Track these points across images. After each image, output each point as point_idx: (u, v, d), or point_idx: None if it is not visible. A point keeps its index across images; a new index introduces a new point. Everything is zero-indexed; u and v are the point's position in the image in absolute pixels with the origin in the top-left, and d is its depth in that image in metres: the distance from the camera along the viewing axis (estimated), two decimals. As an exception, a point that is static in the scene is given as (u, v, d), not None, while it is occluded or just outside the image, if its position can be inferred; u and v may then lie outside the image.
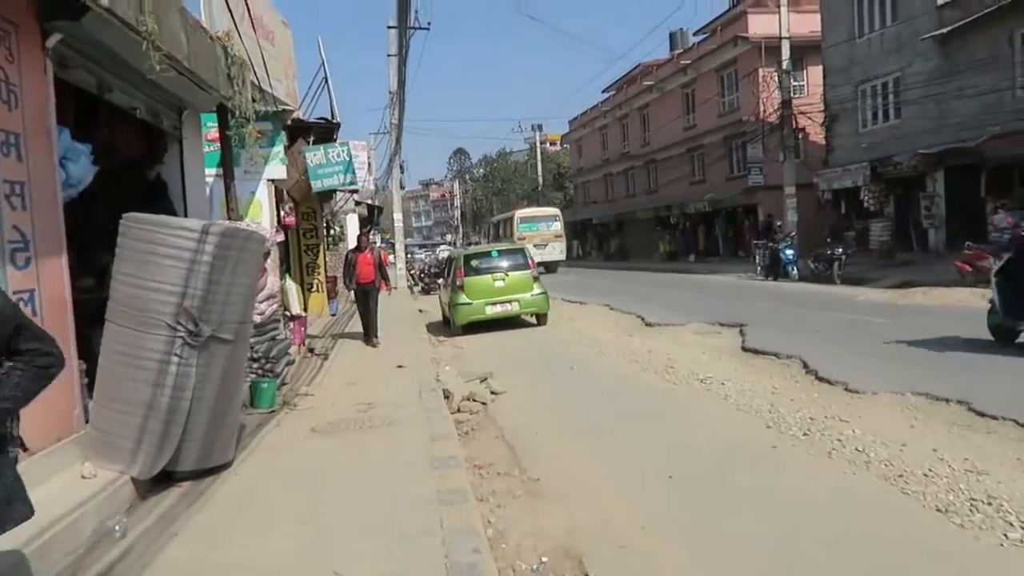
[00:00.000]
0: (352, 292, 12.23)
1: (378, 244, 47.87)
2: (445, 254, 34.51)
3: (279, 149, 11.12)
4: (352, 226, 24.37)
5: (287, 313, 11.80)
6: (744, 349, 9.93)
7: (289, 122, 11.38)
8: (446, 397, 8.20)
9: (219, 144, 10.27)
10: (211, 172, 10.98)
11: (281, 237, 11.39)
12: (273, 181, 11.41)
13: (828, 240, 23.51)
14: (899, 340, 9.36)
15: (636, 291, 21.31)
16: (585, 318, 15.68)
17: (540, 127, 68.37)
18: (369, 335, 12.11)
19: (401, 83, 24.37)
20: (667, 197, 37.63)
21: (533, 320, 15.06)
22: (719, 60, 32.09)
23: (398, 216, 29.58)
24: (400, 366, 10.48)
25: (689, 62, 34.21)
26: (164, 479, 4.97)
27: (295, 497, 4.67)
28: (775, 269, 21.71)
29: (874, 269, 21.27)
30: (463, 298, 14.28)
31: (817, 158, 27.25)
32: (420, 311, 20.15)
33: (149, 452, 4.73)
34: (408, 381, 9.01)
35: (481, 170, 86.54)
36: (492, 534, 4.24)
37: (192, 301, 4.80)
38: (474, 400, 8.11)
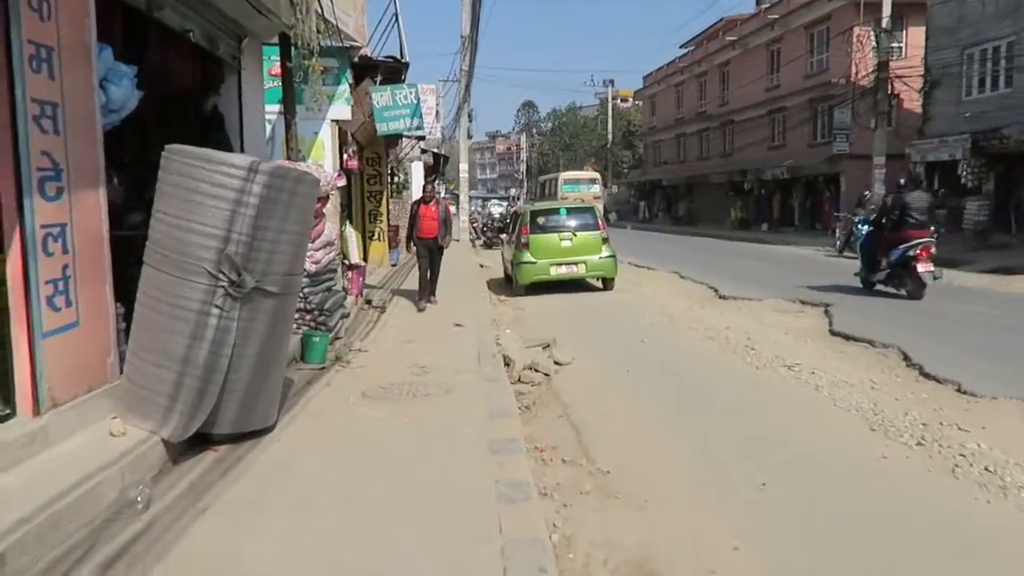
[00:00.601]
0: (414, 247, 11.32)
1: (442, 194, 47.61)
2: (499, 210, 33.78)
3: (344, 88, 10.56)
4: (417, 174, 23.86)
5: (345, 261, 11.38)
6: (832, 333, 9.07)
7: (356, 59, 10.78)
8: (506, 364, 7.64)
9: (280, 79, 9.80)
10: (273, 109, 10.52)
11: (343, 181, 10.90)
12: (337, 122, 10.89)
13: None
14: (1016, 335, 8.41)
15: (706, 259, 20.37)
16: (653, 285, 14.89)
17: (612, 82, 66.42)
18: (424, 294, 11.13)
19: (475, 24, 23.48)
20: (743, 161, 36.02)
21: (599, 284, 14.37)
22: (810, 16, 30.16)
23: (464, 166, 28.94)
24: (458, 325, 9.98)
25: (777, 17, 32.30)
26: (201, 441, 4.54)
27: (337, 475, 4.16)
28: (852, 246, 20.38)
29: (966, 251, 19.81)
30: (527, 256, 13.64)
31: (910, 127, 25.46)
32: (481, 266, 19.64)
33: (184, 412, 4.28)
34: (467, 343, 8.48)
35: (549, 124, 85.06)
36: (557, 540, 3.66)
37: (235, 247, 4.28)
38: (536, 370, 7.52)
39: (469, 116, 28.70)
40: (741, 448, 5.12)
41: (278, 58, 9.51)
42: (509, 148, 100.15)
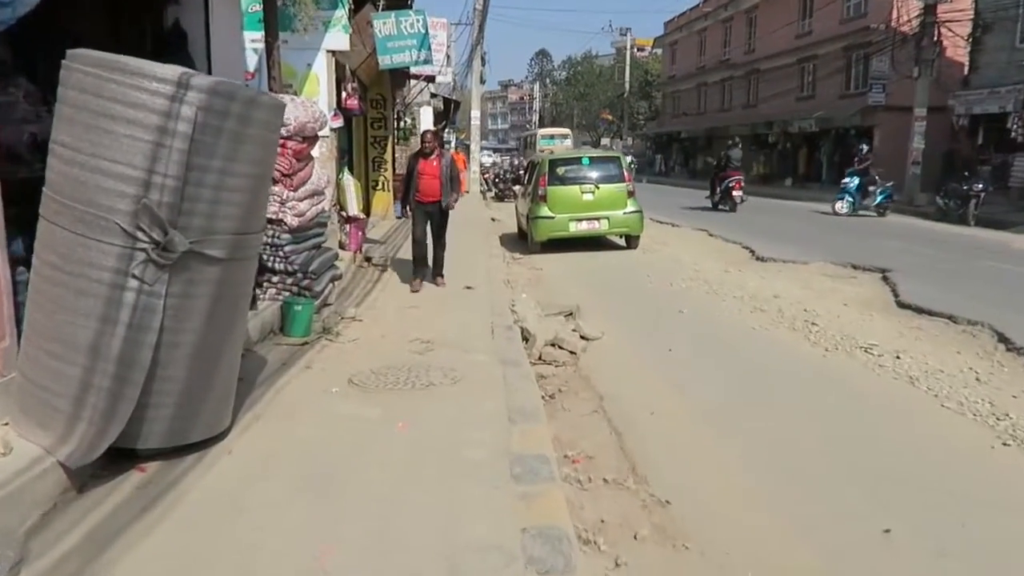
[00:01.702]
0: (409, 211, 8.76)
1: (451, 144, 45.91)
2: (489, 160, 32.74)
3: (341, 13, 9.18)
4: (426, 120, 22.38)
5: (343, 214, 10.15)
6: (901, 305, 7.81)
7: (355, -20, 9.39)
8: (525, 339, 6.45)
9: None
10: (259, 36, 9.19)
11: (339, 122, 9.60)
12: (334, 53, 9.52)
13: (966, 174, 20.66)
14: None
15: (731, 216, 19.00)
16: (681, 243, 13.60)
17: (629, 30, 63.83)
18: (421, 270, 8.58)
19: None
20: (768, 113, 34.19)
21: (622, 242, 13.09)
22: (850, -43, 28.09)
23: (476, 114, 27.41)
24: (469, 287, 8.79)
25: (813, -42, 30.17)
26: (126, 455, 3.38)
27: (300, 520, 2.98)
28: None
29: (1014, 211, 18.38)
30: (545, 211, 12.34)
31: (952, 78, 23.71)
32: (493, 220, 18.35)
33: (91, 422, 3.11)
34: (478, 310, 7.29)
35: (563, 73, 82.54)
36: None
37: (160, 195, 3.06)
38: (560, 347, 6.33)
39: (482, 59, 27.05)
40: (839, 469, 3.93)
41: (261, -27, 8.22)
42: (522, 97, 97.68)
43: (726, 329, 6.94)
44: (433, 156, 8.41)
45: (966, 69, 23.88)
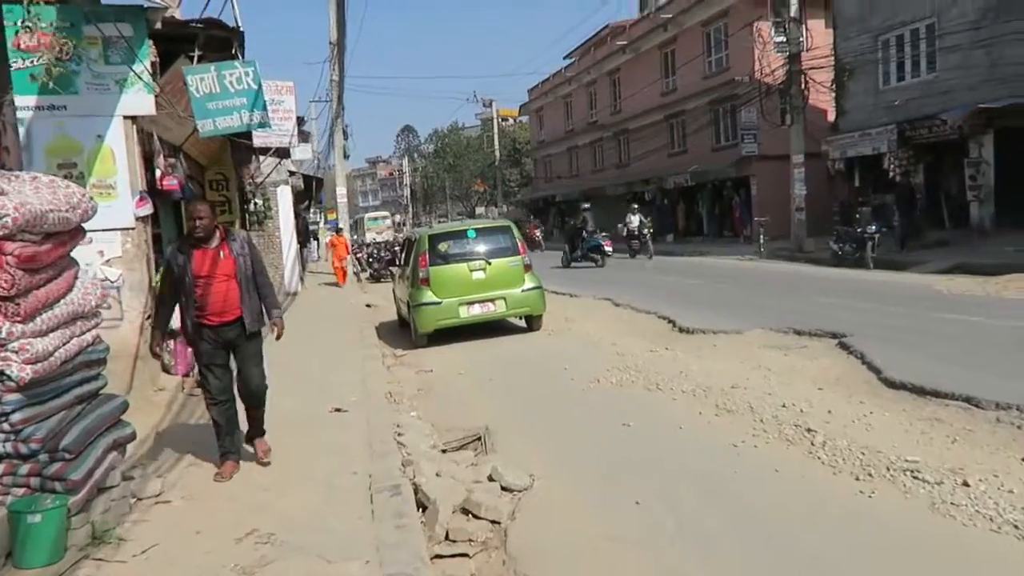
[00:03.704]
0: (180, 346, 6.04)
1: (318, 224, 43.34)
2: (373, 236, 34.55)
3: (141, 68, 6.98)
4: (284, 202, 19.98)
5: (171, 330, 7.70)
6: (890, 384, 6.22)
7: (158, 25, 7.22)
8: (421, 507, 4.33)
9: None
10: (28, 101, 6.91)
11: (147, 208, 7.25)
12: (134, 119, 7.27)
13: (837, 217, 20.54)
14: None
15: (629, 278, 17.66)
16: (587, 317, 11.85)
17: (493, 101, 64.03)
18: (228, 442, 5.05)
19: (341, 26, 20.03)
20: (642, 171, 33.98)
21: (521, 322, 11.21)
22: (706, 13, 28.39)
23: (341, 191, 25.19)
24: (338, 410, 6.68)
25: (670, 16, 30.43)
26: None
27: None
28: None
29: (901, 251, 18.04)
30: (428, 296, 10.29)
31: (819, 125, 23.89)
32: (368, 306, 16.13)
33: None
34: (349, 454, 5.15)
35: (431, 146, 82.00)
36: None
37: None
38: (475, 515, 4.22)
39: (344, 133, 25.06)
40: None
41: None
42: (391, 173, 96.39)
43: (699, 451, 5.03)
44: (215, 242, 4.94)
45: (831, 115, 24.16)
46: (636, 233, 23.91)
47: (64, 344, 4.00)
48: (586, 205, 25.59)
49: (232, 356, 5.11)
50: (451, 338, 10.48)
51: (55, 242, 4.04)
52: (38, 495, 3.68)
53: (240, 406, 5.20)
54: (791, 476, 4.38)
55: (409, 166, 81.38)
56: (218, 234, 5.00)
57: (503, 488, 4.60)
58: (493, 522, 4.15)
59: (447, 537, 4.06)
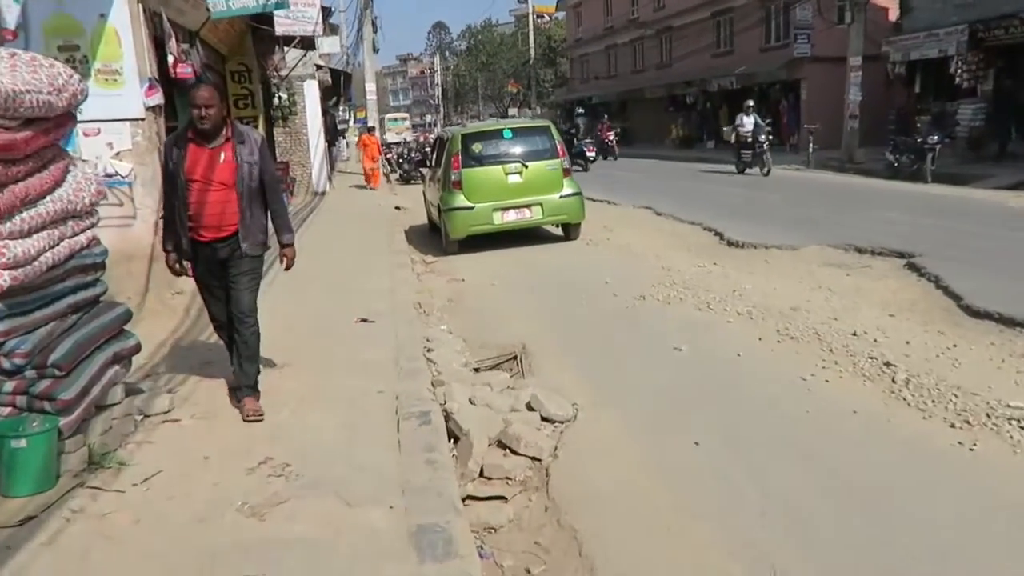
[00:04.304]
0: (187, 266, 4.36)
1: (348, 123, 42.27)
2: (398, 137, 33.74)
3: (145, -62, 6.24)
4: (311, 97, 19.17)
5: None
6: (971, 312, 5.57)
7: None
8: (453, 437, 3.90)
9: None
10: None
11: (157, 97, 6.65)
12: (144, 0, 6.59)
13: (892, 127, 19.26)
14: None
15: (668, 186, 16.87)
16: (627, 228, 11.18)
17: (529, -5, 61.13)
18: (245, 377, 4.20)
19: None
20: (684, 72, 32.29)
21: (558, 231, 10.61)
22: (764, -103, 26.17)
23: (371, 87, 24.26)
24: (364, 320, 6.25)
25: (723, -99, 28.13)
26: None
27: None
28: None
29: (963, 163, 16.91)
30: (461, 200, 9.69)
31: (879, 25, 22.18)
32: (398, 208, 15.58)
33: None
34: (374, 374, 4.71)
35: (464, 43, 79.28)
36: None
37: None
38: (513, 451, 3.77)
39: (373, 25, 23.89)
40: None
41: None
42: (422, 72, 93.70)
43: (762, 384, 4.49)
44: (220, 140, 4.06)
45: (894, 14, 22.41)
46: (749, 139, 18.14)
47: (52, 247, 3.51)
48: (580, 111, 26.80)
49: (224, 277, 4.25)
50: (483, 245, 9.94)
51: (36, 129, 3.49)
52: (25, 416, 3.28)
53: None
54: (874, 420, 3.84)
55: (440, 64, 78.95)
56: (225, 131, 4.08)
57: (543, 419, 4.14)
58: (533, 459, 3.71)
59: (481, 473, 3.63)
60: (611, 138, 27.65)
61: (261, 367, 4.37)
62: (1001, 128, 17.76)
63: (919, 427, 3.72)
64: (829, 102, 22.35)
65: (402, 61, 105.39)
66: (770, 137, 18.28)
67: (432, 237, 11.37)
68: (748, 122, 18.29)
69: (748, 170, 18.25)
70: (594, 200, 14.03)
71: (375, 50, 24.07)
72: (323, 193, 18.55)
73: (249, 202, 4.09)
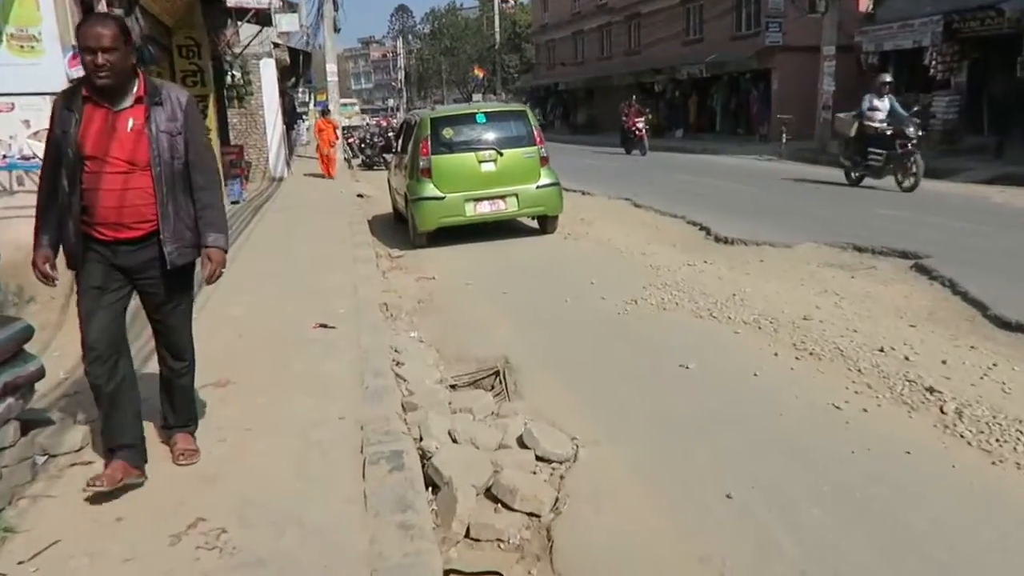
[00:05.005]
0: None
1: (309, 106, 40.92)
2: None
3: None
4: (268, 77, 18.15)
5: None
6: (1001, 324, 5.04)
7: None
8: (432, 487, 3.21)
9: None
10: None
11: (78, 68, 5.80)
12: (64, -46, 5.70)
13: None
14: None
15: (643, 176, 16.27)
16: (607, 221, 10.54)
17: (494, -22, 60.10)
18: (115, 430, 3.09)
19: None
20: (652, 60, 31.80)
21: (533, 223, 9.93)
22: None
23: (332, 68, 23.15)
24: (324, 325, 5.54)
25: None
26: None
27: None
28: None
29: (936, 157, 16.63)
30: (430, 189, 8.93)
31: (852, 15, 21.86)
32: (360, 196, 14.75)
33: None
34: (335, 389, 4.01)
35: (427, 27, 77.95)
36: None
37: None
38: (507, 505, 3.09)
39: (335, 3, 22.83)
40: None
41: None
42: (384, 55, 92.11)
43: (791, 414, 3.84)
44: (126, 100, 2.94)
45: (866, 3, 22.09)
46: (889, 132, 11.93)
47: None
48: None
49: (134, 293, 3.12)
50: (454, 238, 9.21)
51: None
52: None
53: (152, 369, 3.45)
54: (935, 465, 3.23)
55: (404, 48, 77.52)
56: (136, 87, 2.93)
57: (538, 458, 3.46)
58: (531, 516, 3.03)
59: (468, 534, 2.94)
60: (640, 126, 21.44)
61: (141, 444, 3.19)
62: (973, 121, 17.57)
63: (991, 475, 3.12)
64: (800, 92, 22.06)
65: (364, 44, 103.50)
66: (918, 125, 12.00)
67: (398, 228, 10.60)
68: (883, 106, 12.16)
69: (873, 178, 12.42)
70: (568, 190, 13.37)
71: (336, 30, 22.99)
72: (281, 179, 17.61)
73: (171, 188, 2.98)
